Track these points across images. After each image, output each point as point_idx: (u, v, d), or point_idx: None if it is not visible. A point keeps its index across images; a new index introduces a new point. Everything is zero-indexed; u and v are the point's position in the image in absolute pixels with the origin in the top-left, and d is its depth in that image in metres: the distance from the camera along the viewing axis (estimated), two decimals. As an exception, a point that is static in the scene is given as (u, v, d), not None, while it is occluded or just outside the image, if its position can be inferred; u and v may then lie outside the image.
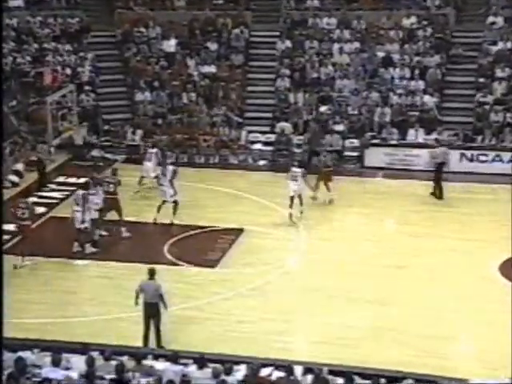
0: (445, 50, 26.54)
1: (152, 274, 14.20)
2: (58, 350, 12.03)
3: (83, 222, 17.81)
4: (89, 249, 17.97)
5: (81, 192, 18.22)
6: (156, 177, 20.43)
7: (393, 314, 15.45)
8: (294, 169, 20.19)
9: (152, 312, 14.02)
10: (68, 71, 27.02)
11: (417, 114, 25.14)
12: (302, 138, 24.54)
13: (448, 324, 15.01)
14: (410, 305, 15.76)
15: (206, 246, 18.47)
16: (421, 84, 25.78)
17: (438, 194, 21.29)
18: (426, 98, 25.39)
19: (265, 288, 16.64)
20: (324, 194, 20.85)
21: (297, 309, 15.84)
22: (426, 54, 26.39)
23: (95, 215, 18.25)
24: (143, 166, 21.60)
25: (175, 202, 19.52)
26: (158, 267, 17.12)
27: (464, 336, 14.97)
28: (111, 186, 19.04)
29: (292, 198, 19.74)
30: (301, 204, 19.98)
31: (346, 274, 17.19)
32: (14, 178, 22.44)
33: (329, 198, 20.83)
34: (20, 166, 23.02)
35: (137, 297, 14.12)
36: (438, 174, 21.40)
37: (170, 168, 19.76)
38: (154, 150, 21.57)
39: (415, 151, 23.72)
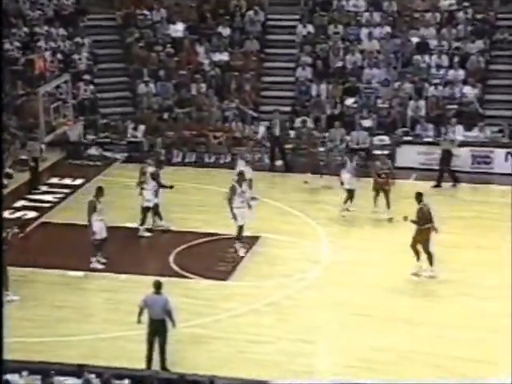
0: (488, 35, 26.51)
1: (158, 287, 14.26)
2: (49, 372, 12.11)
3: (148, 200, 19.13)
4: (143, 232, 19.26)
5: (153, 170, 19.29)
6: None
7: (426, 334, 15.44)
8: (349, 164, 20.65)
9: (158, 330, 14.07)
10: (62, 59, 27.17)
11: (455, 107, 25.13)
12: (325, 134, 24.56)
13: (489, 346, 14.96)
14: (445, 324, 15.74)
15: (217, 256, 18.53)
16: (460, 73, 25.76)
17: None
18: (466, 89, 25.37)
19: (283, 304, 16.67)
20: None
21: (318, 327, 15.86)
22: (466, 40, 26.39)
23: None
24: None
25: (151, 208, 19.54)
26: (162, 280, 17.29)
27: (507, 360, 14.91)
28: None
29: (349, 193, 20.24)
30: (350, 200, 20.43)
31: (374, 288, 17.18)
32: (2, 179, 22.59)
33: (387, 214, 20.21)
34: (8, 166, 23.17)
35: (140, 313, 14.18)
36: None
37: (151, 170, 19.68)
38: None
39: (453, 150, 23.66)
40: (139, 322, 14.18)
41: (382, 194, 20.46)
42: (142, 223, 19.47)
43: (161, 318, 14.05)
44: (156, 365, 14.20)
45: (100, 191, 18.09)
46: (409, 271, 17.65)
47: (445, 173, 22.59)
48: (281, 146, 24.27)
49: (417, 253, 17.55)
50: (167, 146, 24.80)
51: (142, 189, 19.53)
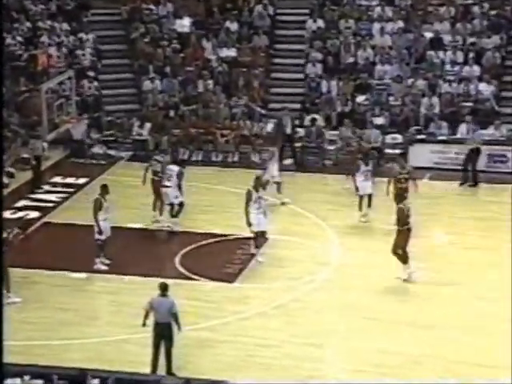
0: (504, 30, 26.44)
1: (164, 289, 14.23)
2: (51, 377, 12.13)
3: (177, 197, 19.39)
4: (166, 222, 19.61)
5: (177, 169, 19.60)
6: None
7: (439, 338, 15.42)
8: (363, 167, 20.39)
9: (164, 333, 14.06)
10: (65, 54, 27.22)
11: (470, 104, 25.08)
12: (335, 132, 24.55)
13: (506, 352, 14.91)
14: (459, 328, 15.73)
15: (224, 258, 18.55)
16: (476, 70, 25.72)
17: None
18: (482, 86, 25.32)
19: (291, 306, 16.68)
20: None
21: (328, 331, 15.86)
22: (482, 35, 26.33)
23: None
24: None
25: (181, 205, 19.72)
26: (168, 281, 17.30)
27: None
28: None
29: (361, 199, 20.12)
30: (368, 205, 20.27)
31: (385, 291, 17.20)
32: (3, 179, 22.63)
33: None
34: (9, 165, 23.22)
35: (146, 316, 14.18)
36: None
37: (176, 169, 19.86)
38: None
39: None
40: (144, 324, 14.20)
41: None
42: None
43: (167, 321, 14.04)
44: (162, 369, 14.20)
45: (105, 189, 18.12)
46: (423, 275, 17.61)
47: (469, 172, 22.46)
48: (292, 145, 24.24)
49: (401, 257, 17.41)
50: (173, 144, 24.81)
51: (166, 187, 19.66)
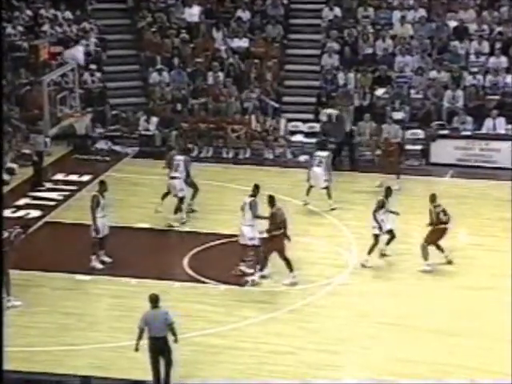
0: (534, 19, 26.41)
1: (155, 301, 13.91)
2: (53, 384, 12.21)
3: (182, 189, 19.79)
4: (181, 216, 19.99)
5: (183, 157, 19.89)
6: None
7: (464, 346, 15.42)
8: (319, 152, 20.80)
9: (162, 348, 13.75)
10: (68, 45, 27.32)
11: (497, 98, 25.03)
12: (354, 128, 24.56)
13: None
14: (487, 336, 15.70)
15: (235, 259, 18.58)
16: (503, 61, 25.67)
17: None
18: (510, 78, 25.28)
19: (306, 311, 16.71)
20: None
21: (345, 338, 15.87)
22: (509, 24, 26.24)
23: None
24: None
25: (181, 199, 20.08)
26: (175, 284, 17.38)
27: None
28: None
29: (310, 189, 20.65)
30: (329, 197, 20.66)
31: (407, 296, 17.19)
32: (4, 175, 22.74)
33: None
34: (10, 161, 23.33)
35: (140, 336, 13.77)
36: None
37: (182, 158, 20.28)
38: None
39: (494, 144, 23.60)
40: (137, 349, 13.78)
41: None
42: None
43: (163, 335, 13.73)
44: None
45: (103, 185, 18.35)
46: (447, 279, 17.60)
47: None
48: (351, 142, 24.01)
49: (288, 262, 17.45)
50: (182, 139, 24.85)
51: (173, 178, 19.95)
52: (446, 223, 18.10)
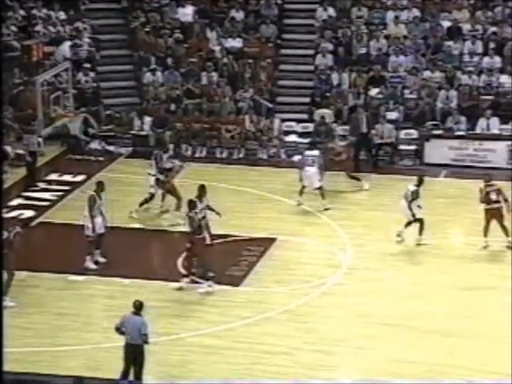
0: (527, 19, 26.39)
1: (138, 308, 13.82)
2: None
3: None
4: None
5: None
6: None
7: (462, 347, 15.37)
8: (309, 152, 20.81)
9: (134, 355, 13.61)
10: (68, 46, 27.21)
11: (491, 98, 25.01)
12: (346, 127, 24.51)
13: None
14: (485, 336, 15.66)
15: (229, 260, 18.54)
16: (496, 61, 25.65)
17: None
18: (503, 78, 25.26)
19: (300, 311, 16.65)
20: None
21: (340, 338, 15.82)
22: (503, 24, 26.23)
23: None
24: None
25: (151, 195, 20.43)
26: (169, 284, 17.31)
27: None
28: None
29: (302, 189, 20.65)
30: (322, 197, 20.64)
31: (402, 296, 17.13)
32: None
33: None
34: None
35: (117, 330, 13.74)
36: None
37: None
38: None
39: (488, 144, 23.56)
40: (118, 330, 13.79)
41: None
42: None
43: (136, 342, 13.63)
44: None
45: (101, 186, 18.37)
46: (443, 279, 17.56)
47: None
48: (368, 144, 23.82)
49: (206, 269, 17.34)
50: (175, 139, 24.79)
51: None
52: (498, 202, 18.66)
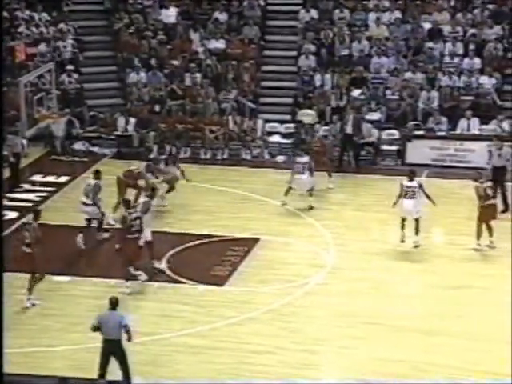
0: (507, 20, 26.43)
1: (113, 303, 13.76)
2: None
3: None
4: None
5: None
6: None
7: (447, 345, 15.34)
8: (299, 159, 20.71)
9: (113, 350, 13.53)
10: (45, 46, 27.09)
11: (471, 98, 25.09)
12: (328, 128, 24.49)
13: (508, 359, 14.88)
14: (469, 335, 15.65)
15: (213, 260, 18.49)
16: (476, 62, 25.72)
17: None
18: (483, 79, 25.32)
19: (284, 311, 16.61)
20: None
21: (324, 338, 15.78)
22: (483, 25, 26.31)
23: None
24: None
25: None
26: (154, 285, 17.24)
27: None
28: None
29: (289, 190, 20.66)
30: (310, 196, 20.77)
31: (387, 296, 17.13)
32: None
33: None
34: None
35: (94, 330, 13.68)
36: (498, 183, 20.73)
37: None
38: None
39: (469, 145, 23.61)
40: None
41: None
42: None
43: (115, 337, 13.54)
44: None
45: (99, 174, 19.30)
46: (426, 278, 17.56)
47: None
48: (354, 144, 23.71)
49: (137, 269, 17.28)
50: (159, 140, 24.72)
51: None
52: (494, 198, 18.75)
